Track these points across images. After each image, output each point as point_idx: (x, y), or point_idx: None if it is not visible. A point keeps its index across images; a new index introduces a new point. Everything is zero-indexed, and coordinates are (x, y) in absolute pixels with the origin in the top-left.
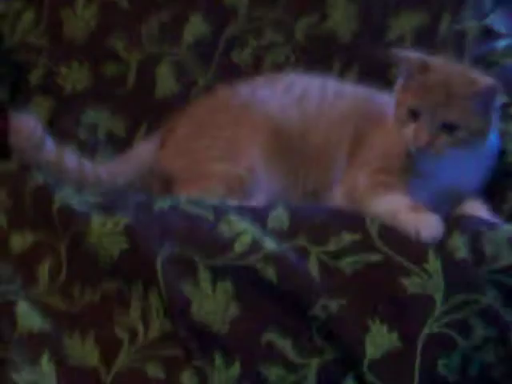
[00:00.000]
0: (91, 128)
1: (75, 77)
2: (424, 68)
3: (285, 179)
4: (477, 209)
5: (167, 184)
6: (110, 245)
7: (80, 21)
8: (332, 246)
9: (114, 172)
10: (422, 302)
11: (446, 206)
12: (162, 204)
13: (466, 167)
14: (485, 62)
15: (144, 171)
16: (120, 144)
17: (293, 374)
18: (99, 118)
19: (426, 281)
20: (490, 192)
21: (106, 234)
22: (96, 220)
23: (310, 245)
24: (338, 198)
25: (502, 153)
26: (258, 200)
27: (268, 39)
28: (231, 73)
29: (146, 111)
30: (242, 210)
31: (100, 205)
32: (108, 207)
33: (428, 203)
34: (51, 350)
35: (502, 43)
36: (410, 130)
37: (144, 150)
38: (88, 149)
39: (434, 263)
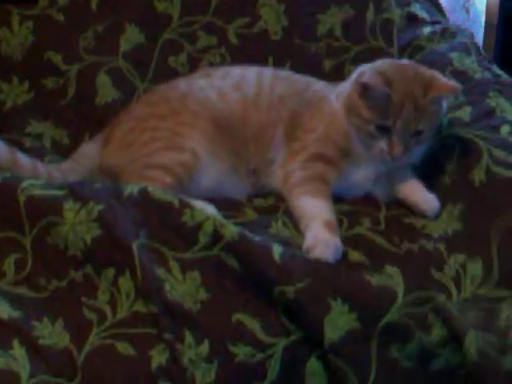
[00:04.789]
0: (36, 137)
1: (16, 92)
2: (387, 90)
3: (228, 161)
4: (416, 191)
5: (114, 181)
6: (83, 232)
7: (17, 38)
8: None
9: (65, 170)
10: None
11: (380, 185)
12: (131, 190)
13: None
14: (411, 47)
15: (92, 169)
16: (65, 151)
17: (260, 353)
18: (44, 128)
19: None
20: (426, 165)
21: (79, 221)
22: (69, 208)
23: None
24: (279, 182)
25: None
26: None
27: (202, 43)
28: (169, 77)
29: (89, 119)
30: None
31: (71, 193)
32: (79, 195)
33: (363, 186)
34: (22, 334)
35: (426, 29)
36: (383, 143)
37: (90, 149)
38: (35, 155)
39: (391, 269)
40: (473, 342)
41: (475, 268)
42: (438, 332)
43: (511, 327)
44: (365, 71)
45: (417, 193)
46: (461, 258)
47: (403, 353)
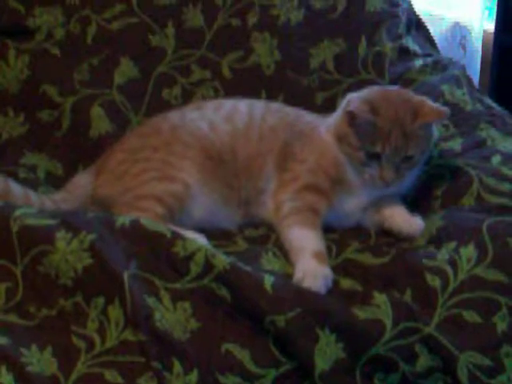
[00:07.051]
0: (31, 168)
1: (11, 124)
2: (373, 118)
3: (219, 191)
4: (397, 213)
5: (106, 212)
6: (74, 261)
7: (13, 71)
8: None
9: (57, 200)
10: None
11: (369, 215)
12: (123, 221)
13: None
14: (403, 79)
15: (84, 200)
16: (59, 182)
17: None
18: (38, 160)
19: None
20: (417, 194)
21: (71, 251)
22: (61, 237)
23: None
24: (269, 213)
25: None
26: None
27: (196, 76)
28: (162, 110)
29: (82, 151)
30: None
31: (63, 222)
32: (71, 224)
33: (354, 215)
34: (9, 361)
35: (417, 62)
36: (373, 170)
37: (83, 180)
38: (28, 186)
39: (380, 298)
40: (463, 368)
41: (468, 251)
42: (423, 363)
43: (503, 342)
44: (352, 100)
45: (400, 217)
46: (452, 244)
47: (385, 382)
